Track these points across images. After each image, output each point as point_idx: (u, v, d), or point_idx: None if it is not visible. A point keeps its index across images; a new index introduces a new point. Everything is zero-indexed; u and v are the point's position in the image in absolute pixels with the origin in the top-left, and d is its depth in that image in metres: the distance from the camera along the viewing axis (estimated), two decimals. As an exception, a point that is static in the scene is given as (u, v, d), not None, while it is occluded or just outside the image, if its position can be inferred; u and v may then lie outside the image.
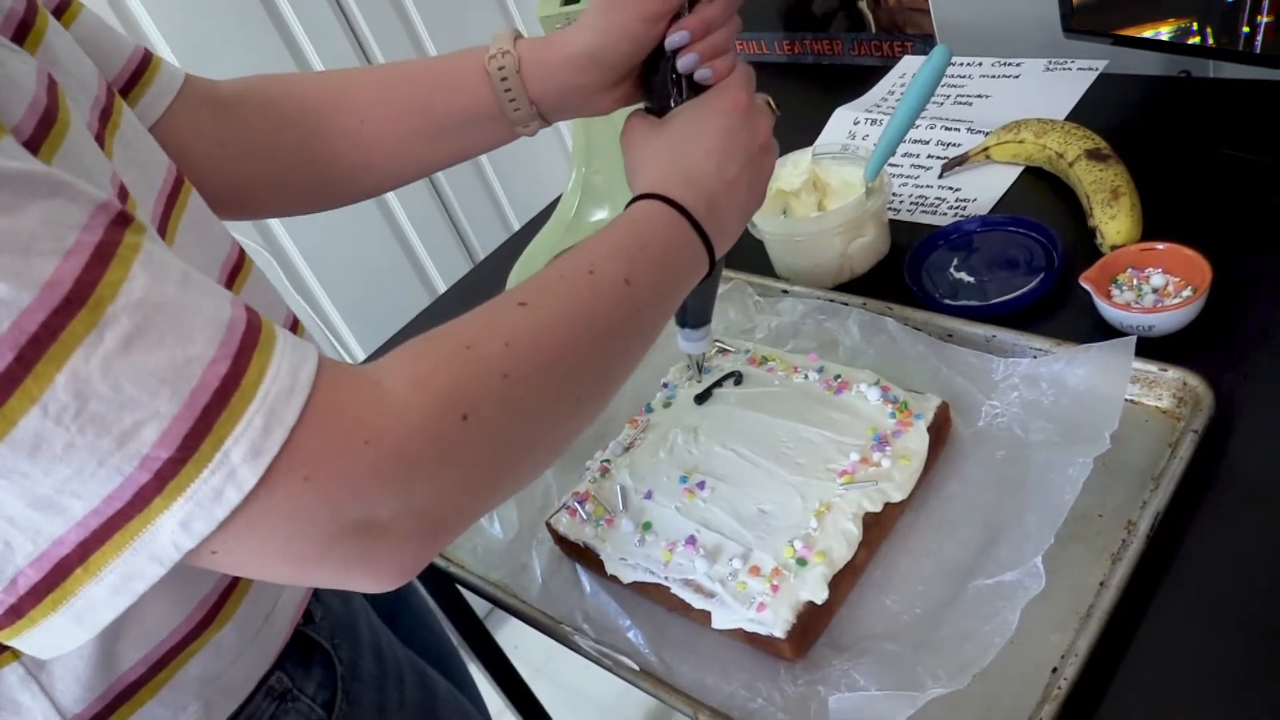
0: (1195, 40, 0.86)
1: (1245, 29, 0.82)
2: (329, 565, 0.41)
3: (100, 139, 0.51)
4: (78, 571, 0.38)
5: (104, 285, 0.36)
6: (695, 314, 0.68)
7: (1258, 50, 0.82)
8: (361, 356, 1.49)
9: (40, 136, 0.41)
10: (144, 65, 0.64)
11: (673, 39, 0.60)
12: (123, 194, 0.47)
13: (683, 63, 0.60)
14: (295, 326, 0.64)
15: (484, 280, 1.21)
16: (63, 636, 0.40)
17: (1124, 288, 0.76)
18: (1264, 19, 0.80)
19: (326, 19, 1.44)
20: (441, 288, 1.61)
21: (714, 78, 0.61)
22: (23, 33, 0.50)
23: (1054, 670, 0.57)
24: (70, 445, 0.35)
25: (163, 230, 0.54)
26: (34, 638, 0.40)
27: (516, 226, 1.64)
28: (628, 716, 1.68)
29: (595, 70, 0.63)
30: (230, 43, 1.35)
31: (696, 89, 0.62)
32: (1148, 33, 0.89)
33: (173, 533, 0.37)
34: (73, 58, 0.53)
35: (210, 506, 0.37)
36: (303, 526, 0.39)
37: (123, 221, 0.38)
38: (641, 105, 0.65)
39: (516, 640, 1.52)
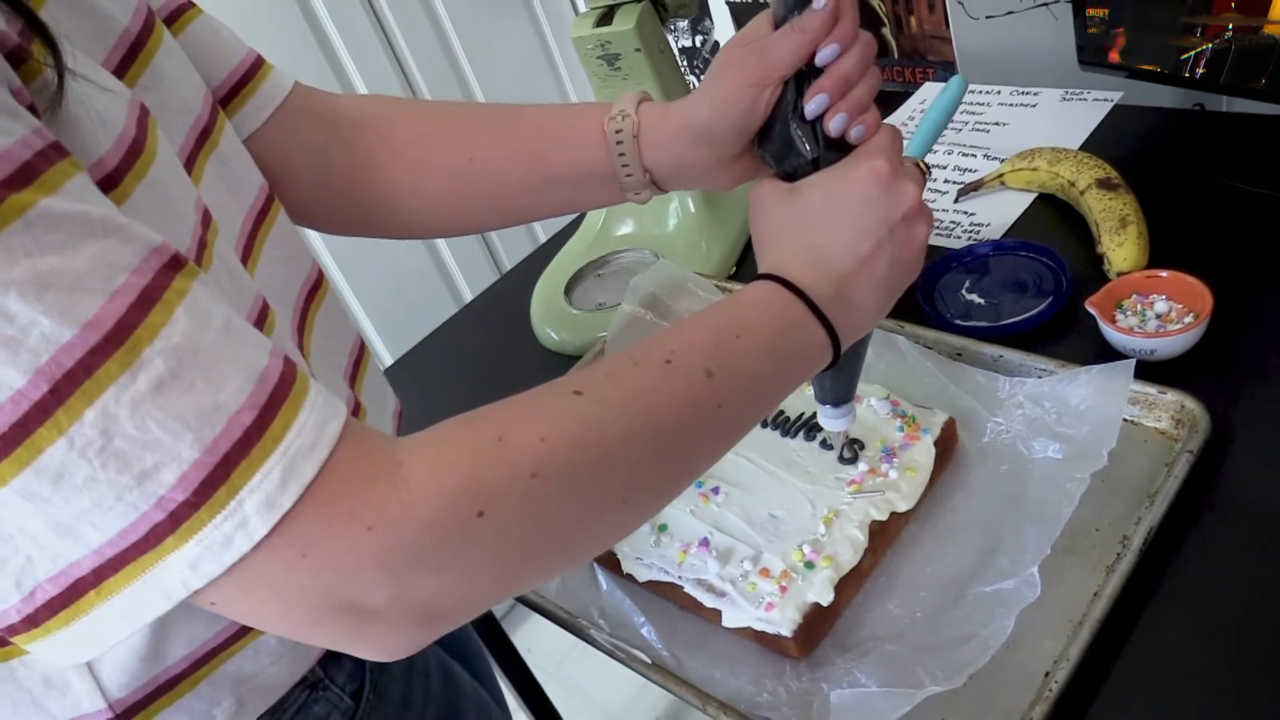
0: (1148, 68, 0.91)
1: (1185, 56, 0.87)
2: (321, 635, 0.42)
3: (191, 161, 0.53)
4: (91, 594, 0.39)
5: (144, 328, 0.37)
6: (834, 392, 0.63)
7: (1197, 76, 0.87)
8: (389, 361, 1.53)
9: (125, 167, 0.43)
10: (252, 72, 0.65)
11: (811, 106, 0.54)
12: (206, 218, 0.49)
13: (834, 124, 0.54)
14: (363, 348, 0.66)
15: (509, 291, 1.24)
16: (72, 650, 0.41)
17: (1128, 313, 0.79)
18: (1201, 70, 0.86)
19: (367, 34, 1.49)
20: (468, 296, 1.65)
21: (867, 134, 0.55)
22: (134, 54, 0.52)
23: (1046, 674, 0.60)
24: (91, 479, 0.36)
25: (249, 247, 0.56)
26: (46, 646, 0.42)
27: (543, 238, 1.68)
28: (637, 721, 1.71)
29: (708, 144, 0.60)
30: (272, 55, 1.40)
31: (838, 147, 0.56)
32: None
33: (182, 572, 0.38)
34: (179, 76, 0.55)
35: (220, 552, 0.38)
36: (295, 599, 0.40)
37: (175, 265, 0.39)
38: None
39: (530, 643, 1.55)
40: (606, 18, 1.02)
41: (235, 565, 0.38)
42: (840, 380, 0.62)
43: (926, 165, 0.57)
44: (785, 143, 0.57)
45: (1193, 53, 0.86)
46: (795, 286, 0.52)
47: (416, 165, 0.67)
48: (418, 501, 0.40)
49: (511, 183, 0.66)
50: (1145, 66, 0.91)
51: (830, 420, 0.64)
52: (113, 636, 0.40)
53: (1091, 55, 0.97)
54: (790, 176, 0.57)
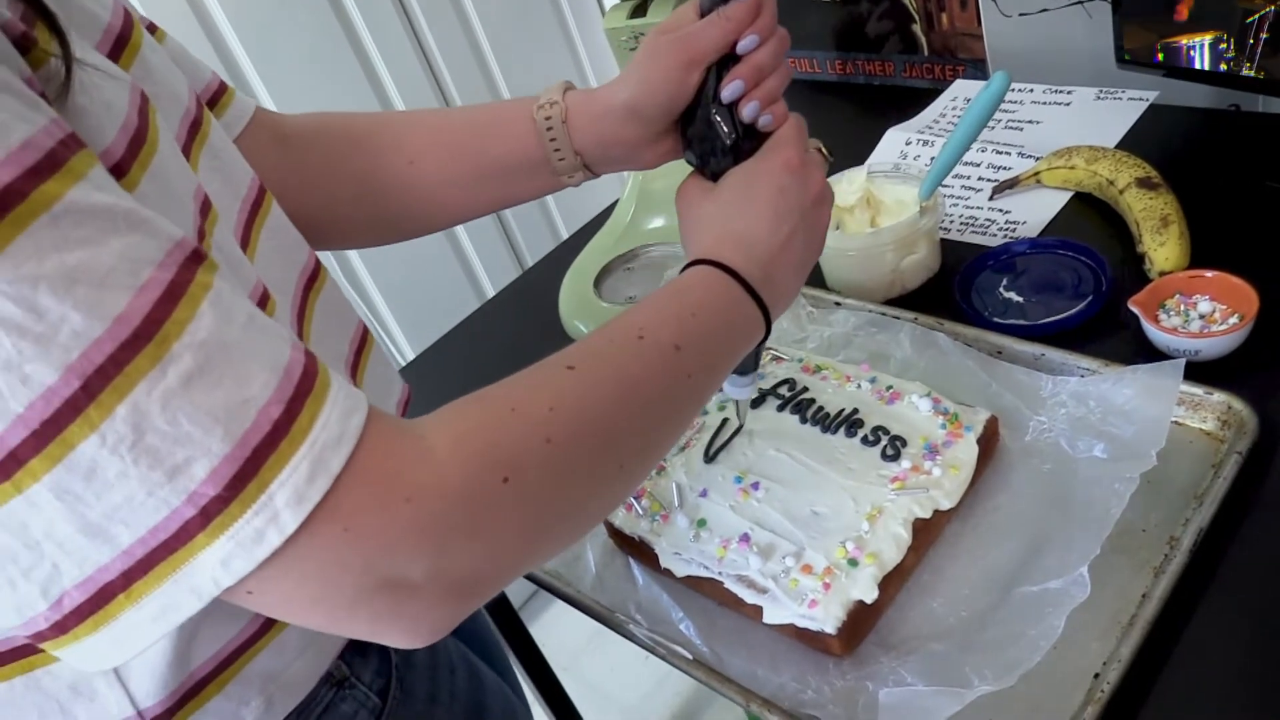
0: (1226, 50, 0.90)
1: (1250, 40, 0.87)
2: (360, 618, 0.42)
3: (187, 150, 0.53)
4: (120, 597, 0.39)
5: (171, 322, 0.37)
6: (744, 361, 0.65)
7: (1253, 71, 0.87)
8: (411, 355, 1.53)
9: (131, 157, 0.43)
10: (221, 91, 0.67)
11: (728, 90, 0.60)
12: (206, 205, 0.49)
13: (746, 111, 0.60)
14: (365, 335, 0.67)
15: (531, 287, 1.24)
16: (102, 656, 0.41)
17: (1171, 313, 0.78)
18: (1264, 35, 0.85)
19: (396, 30, 1.49)
20: (490, 292, 1.64)
21: (774, 123, 0.61)
22: (120, 48, 0.52)
23: (1096, 675, 0.59)
24: (123, 474, 0.36)
25: (246, 237, 0.56)
26: (75, 652, 0.41)
27: (564, 234, 1.67)
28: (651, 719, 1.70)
29: (635, 122, 0.64)
30: (317, 76, 1.43)
31: (751, 135, 0.61)
32: (1184, 40, 0.93)
33: (213, 569, 0.38)
34: (166, 69, 0.56)
35: (251, 547, 0.38)
36: (336, 577, 0.40)
37: (196, 260, 0.39)
38: (691, 163, 0.65)
39: (544, 638, 1.55)
40: (641, 9, 1.02)
41: (278, 549, 0.38)
42: (753, 350, 0.65)
43: (828, 151, 0.62)
44: (707, 125, 0.62)
45: (1257, 15, 0.84)
46: (731, 269, 0.57)
47: (361, 175, 0.70)
48: (448, 472, 0.42)
49: (448, 180, 0.70)
50: (1210, 32, 0.90)
51: (735, 389, 0.68)
52: (144, 640, 0.40)
53: (1145, 42, 0.95)
54: (712, 172, 0.63)
